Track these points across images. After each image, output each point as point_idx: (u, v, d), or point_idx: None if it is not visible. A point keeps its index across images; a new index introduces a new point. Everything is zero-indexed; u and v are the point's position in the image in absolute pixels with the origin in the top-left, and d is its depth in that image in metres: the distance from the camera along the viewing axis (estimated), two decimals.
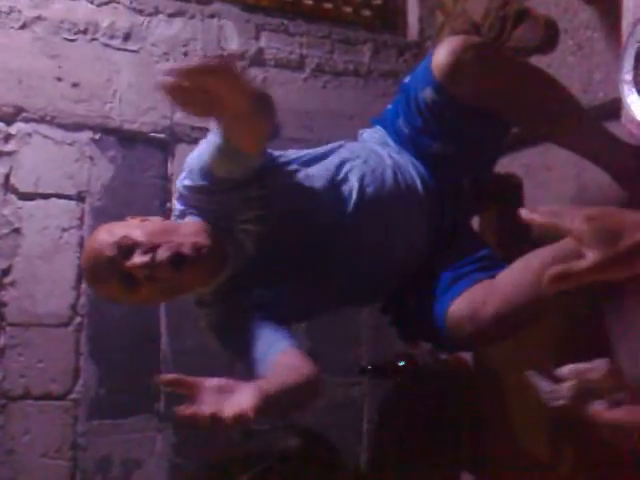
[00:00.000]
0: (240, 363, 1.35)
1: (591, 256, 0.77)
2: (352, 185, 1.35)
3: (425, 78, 1.32)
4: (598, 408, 0.77)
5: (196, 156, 1.33)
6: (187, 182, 1.34)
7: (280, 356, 1.24)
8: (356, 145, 1.45)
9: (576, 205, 1.46)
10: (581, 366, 0.80)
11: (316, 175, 1.36)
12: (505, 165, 1.65)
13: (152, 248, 1.23)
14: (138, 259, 1.22)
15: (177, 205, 1.39)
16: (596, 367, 0.80)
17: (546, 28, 1.63)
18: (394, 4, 2.22)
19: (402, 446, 1.69)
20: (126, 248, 1.23)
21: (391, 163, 1.39)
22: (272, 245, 1.34)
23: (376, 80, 2.19)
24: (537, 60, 1.63)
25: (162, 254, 1.23)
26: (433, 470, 1.67)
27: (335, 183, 1.36)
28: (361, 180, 1.36)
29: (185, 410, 0.92)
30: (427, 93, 1.33)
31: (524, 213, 0.83)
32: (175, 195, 1.42)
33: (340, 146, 1.43)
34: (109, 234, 1.26)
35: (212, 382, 0.98)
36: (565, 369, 0.81)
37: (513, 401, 1.63)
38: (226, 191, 1.31)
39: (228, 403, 0.94)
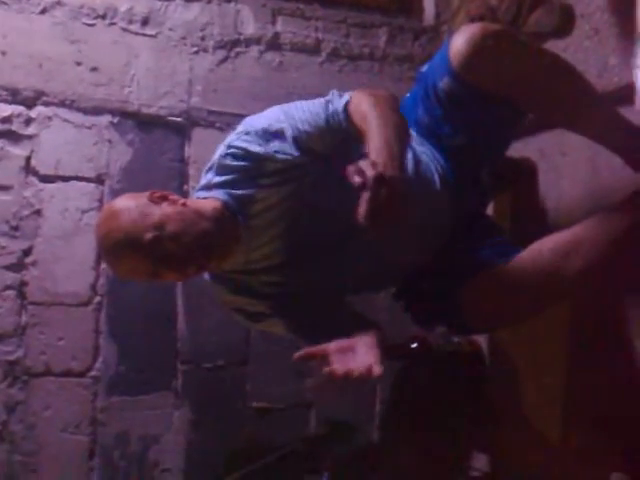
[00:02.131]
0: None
1: None
2: None
3: (443, 67, 1.32)
4: None
5: (288, 122, 1.29)
6: (256, 148, 1.29)
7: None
8: None
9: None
10: None
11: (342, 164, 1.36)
12: (519, 149, 1.65)
13: (184, 247, 1.23)
14: (172, 269, 1.24)
15: (208, 175, 1.34)
16: None
17: (562, 13, 1.62)
18: None
19: (414, 427, 1.72)
20: (160, 247, 1.22)
21: (411, 156, 1.39)
22: (290, 230, 1.35)
23: (391, 64, 2.20)
24: (553, 44, 1.63)
25: (193, 259, 1.24)
26: (445, 451, 1.69)
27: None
28: None
29: (321, 373, 1.07)
30: (445, 82, 1.32)
31: None
32: (212, 164, 1.35)
33: None
34: (139, 226, 1.22)
35: (333, 346, 1.12)
36: None
37: (526, 382, 1.65)
38: (290, 168, 1.30)
39: (355, 362, 1.09)
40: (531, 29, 1.67)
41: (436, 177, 1.40)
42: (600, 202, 1.47)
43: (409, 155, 1.39)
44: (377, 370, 1.07)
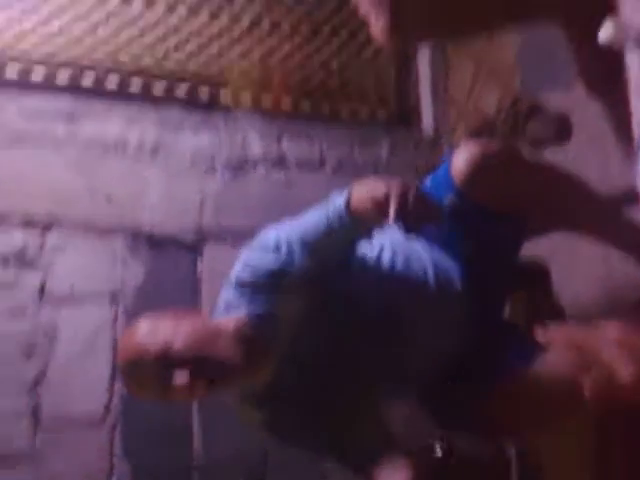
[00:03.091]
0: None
1: (628, 374, 0.80)
2: (395, 287, 1.37)
3: (446, 184, 1.37)
4: None
5: (294, 231, 1.30)
6: (269, 264, 1.29)
7: None
8: (397, 239, 1.44)
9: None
10: None
11: (361, 273, 1.37)
12: (530, 249, 1.67)
13: (191, 366, 1.21)
14: (177, 383, 1.20)
15: (226, 295, 1.34)
16: None
17: (558, 122, 1.69)
18: (408, 103, 2.32)
19: None
20: (165, 364, 1.21)
21: (430, 263, 1.40)
22: (307, 339, 1.35)
23: (394, 174, 2.27)
24: (552, 151, 1.69)
25: (198, 380, 1.21)
26: None
27: (378, 283, 1.37)
28: (403, 281, 1.37)
29: None
30: (450, 199, 1.36)
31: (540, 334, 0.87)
32: (230, 282, 1.35)
33: (382, 246, 1.43)
34: (148, 342, 1.23)
35: None
36: None
37: None
38: (300, 281, 1.30)
39: None
40: (530, 138, 1.75)
41: (455, 279, 1.42)
42: (614, 301, 1.48)
43: (429, 260, 1.41)
44: None
